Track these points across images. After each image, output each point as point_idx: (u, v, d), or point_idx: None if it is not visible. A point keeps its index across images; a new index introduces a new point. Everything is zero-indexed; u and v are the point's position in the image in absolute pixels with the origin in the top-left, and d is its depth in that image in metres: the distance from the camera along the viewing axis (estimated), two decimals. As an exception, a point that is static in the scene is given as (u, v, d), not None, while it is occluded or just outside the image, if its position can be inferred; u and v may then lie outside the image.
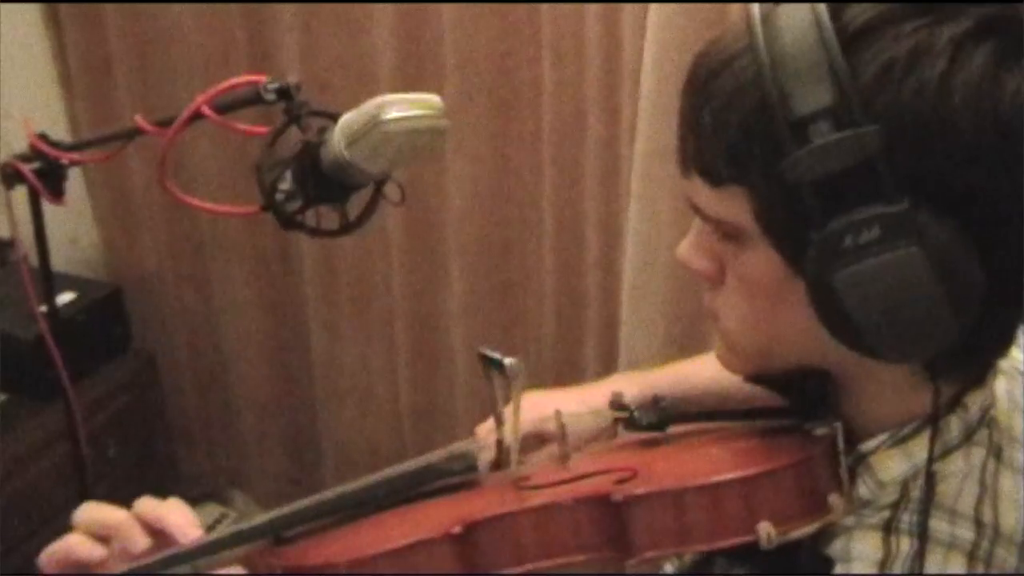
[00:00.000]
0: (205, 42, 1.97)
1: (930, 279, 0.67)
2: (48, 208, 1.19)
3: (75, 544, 0.85)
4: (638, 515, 0.75)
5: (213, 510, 2.45)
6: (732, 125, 0.71)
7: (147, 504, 0.86)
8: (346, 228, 0.98)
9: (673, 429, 0.88)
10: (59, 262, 2.11)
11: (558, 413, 0.89)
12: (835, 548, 0.77)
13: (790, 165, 0.67)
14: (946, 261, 0.67)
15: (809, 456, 0.76)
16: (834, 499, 0.76)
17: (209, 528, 2.50)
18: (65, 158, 1.15)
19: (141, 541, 0.83)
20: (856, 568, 0.76)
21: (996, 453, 0.82)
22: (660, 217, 1.61)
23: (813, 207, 0.68)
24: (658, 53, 1.49)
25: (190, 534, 0.85)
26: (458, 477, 0.87)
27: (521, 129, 1.80)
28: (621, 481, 0.78)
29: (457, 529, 0.76)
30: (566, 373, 1.90)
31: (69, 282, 2.05)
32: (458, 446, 0.90)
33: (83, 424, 1.95)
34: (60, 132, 2.10)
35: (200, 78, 1.95)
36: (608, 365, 1.82)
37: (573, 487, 0.80)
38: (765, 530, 0.73)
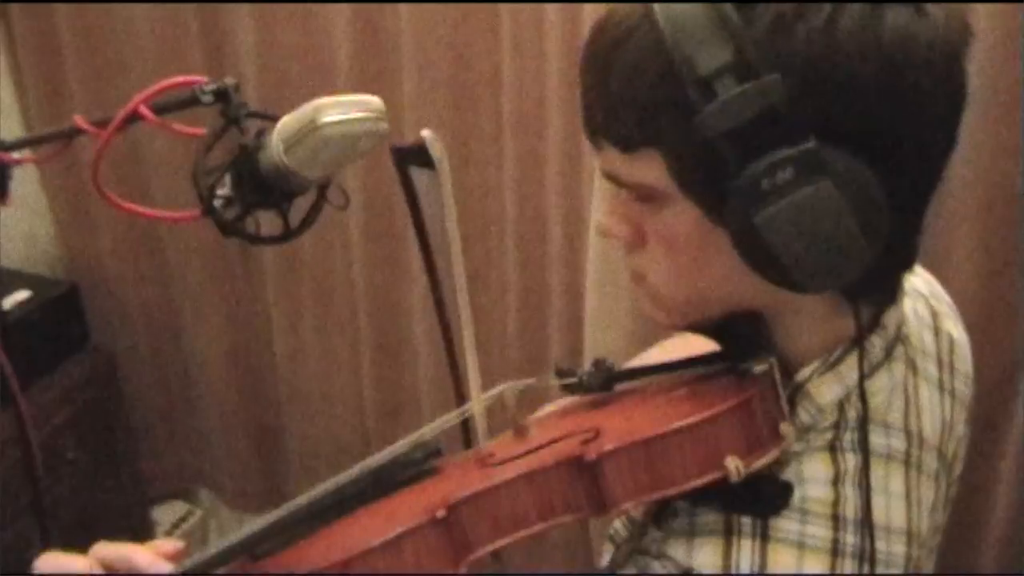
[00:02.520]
0: (159, 35, 1.94)
1: (843, 209, 0.72)
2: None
3: None
4: (612, 470, 0.78)
5: (178, 508, 2.43)
6: (640, 91, 0.74)
7: (108, 548, 0.84)
8: (288, 235, 0.95)
9: (618, 388, 0.91)
10: (15, 260, 2.08)
11: (510, 387, 0.91)
12: (789, 474, 0.82)
13: (701, 121, 0.71)
14: (855, 190, 0.72)
15: (758, 392, 0.80)
16: (784, 427, 0.80)
17: (174, 526, 2.47)
18: (3, 159, 1.11)
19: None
20: (811, 488, 0.81)
21: (912, 367, 0.90)
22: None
23: (727, 158, 0.72)
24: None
25: (162, 568, 0.83)
26: (423, 464, 0.88)
27: (481, 122, 1.78)
28: (587, 441, 0.81)
29: (441, 512, 0.77)
30: (530, 369, 1.88)
31: (24, 280, 2.02)
32: (419, 435, 0.91)
33: (40, 425, 1.92)
34: (13, 125, 2.07)
35: (153, 72, 1.92)
36: (573, 361, 1.80)
37: (541, 455, 0.82)
38: (733, 463, 0.77)
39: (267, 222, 0.97)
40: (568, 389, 0.92)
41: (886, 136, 0.73)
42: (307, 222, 0.96)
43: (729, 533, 0.80)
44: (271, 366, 2.15)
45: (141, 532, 2.27)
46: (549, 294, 1.83)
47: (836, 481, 0.82)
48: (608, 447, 0.78)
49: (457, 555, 0.78)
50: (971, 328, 1.02)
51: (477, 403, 0.89)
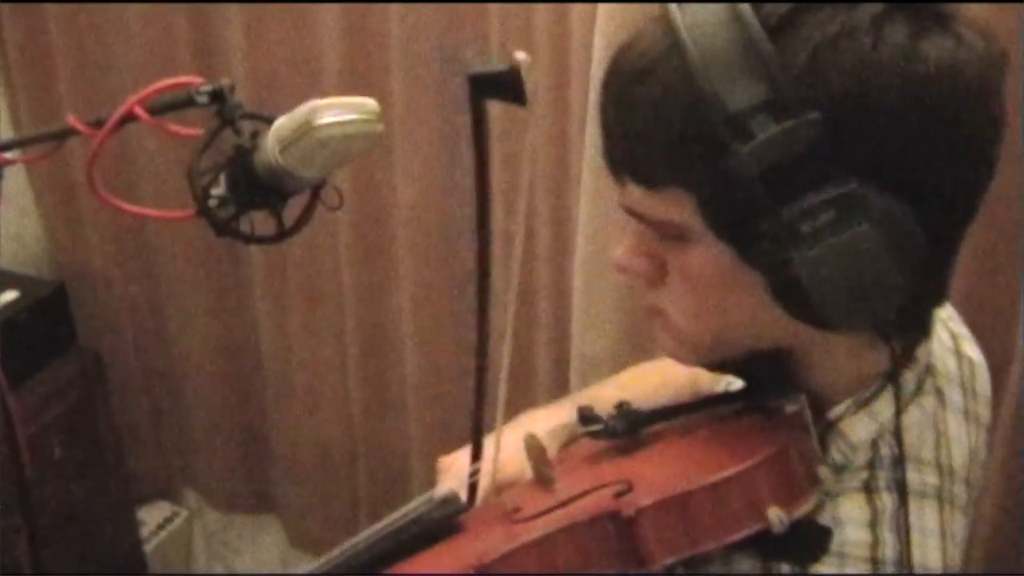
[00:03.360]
0: (148, 36, 1.93)
1: (882, 250, 0.69)
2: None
3: None
4: (649, 526, 0.75)
5: (164, 509, 2.43)
6: (667, 129, 0.71)
7: None
8: (282, 235, 0.95)
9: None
10: (3, 259, 2.08)
11: (532, 436, 0.88)
12: (825, 516, 0.79)
13: (735, 162, 0.68)
14: (894, 230, 0.69)
15: (793, 436, 0.77)
16: (821, 470, 0.78)
17: (160, 527, 2.46)
18: (-2, 160, 1.11)
19: None
20: (849, 530, 0.78)
21: (940, 397, 0.87)
22: (611, 211, 1.59)
23: (762, 198, 0.69)
24: (607, 48, 1.47)
25: None
26: (447, 522, 0.84)
27: (468, 123, 1.77)
28: (620, 494, 0.78)
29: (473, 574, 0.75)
30: (518, 369, 1.89)
31: (12, 280, 2.01)
32: (433, 494, 0.88)
33: (27, 424, 1.92)
34: (2, 125, 2.07)
35: (143, 72, 1.92)
36: (560, 361, 1.81)
37: (573, 509, 0.79)
38: (776, 514, 0.74)
39: (260, 222, 0.97)
40: (592, 436, 0.88)
41: (926, 172, 0.70)
42: (301, 222, 0.97)
43: None
44: (258, 366, 2.15)
45: (126, 533, 2.27)
46: (537, 295, 1.83)
47: (873, 523, 0.79)
48: (645, 502, 0.75)
49: None
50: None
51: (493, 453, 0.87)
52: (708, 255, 0.75)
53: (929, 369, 0.86)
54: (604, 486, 0.80)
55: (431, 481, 1.97)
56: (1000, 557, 1.55)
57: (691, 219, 0.73)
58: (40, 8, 1.99)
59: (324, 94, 0.88)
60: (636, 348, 1.71)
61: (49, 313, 2.02)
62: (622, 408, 0.87)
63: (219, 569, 2.48)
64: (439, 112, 1.77)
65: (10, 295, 1.96)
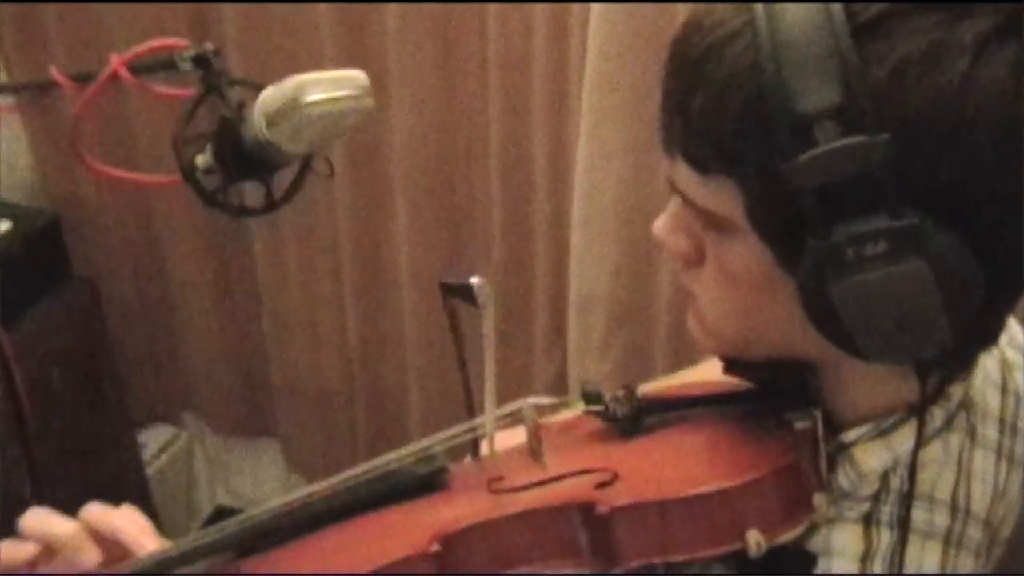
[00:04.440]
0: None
1: (933, 292, 0.64)
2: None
3: (12, 551, 0.83)
4: (621, 526, 0.73)
5: (164, 432, 2.44)
6: (726, 116, 0.66)
7: (97, 514, 0.83)
8: (271, 206, 0.94)
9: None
10: (-4, 188, 2.05)
11: (529, 404, 0.86)
12: (816, 542, 0.76)
13: (790, 169, 0.62)
14: (950, 273, 0.64)
15: (794, 460, 0.74)
16: (818, 498, 0.75)
17: (161, 450, 2.47)
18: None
19: (92, 555, 0.81)
20: (837, 563, 0.75)
21: (971, 433, 0.82)
22: (610, 146, 1.57)
23: (811, 213, 0.64)
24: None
25: (146, 545, 0.83)
26: (427, 481, 0.84)
27: (467, 57, 1.74)
28: (602, 484, 0.76)
29: (436, 547, 0.74)
30: (515, 306, 1.88)
31: (4, 210, 1.98)
32: (426, 446, 0.87)
33: (25, 356, 1.91)
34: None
35: (135, 29, 1.85)
36: (558, 297, 1.80)
37: (552, 491, 0.78)
38: (754, 538, 0.72)
39: (249, 190, 0.96)
40: (594, 415, 0.85)
41: (998, 218, 0.65)
42: (291, 193, 0.95)
43: None
44: (254, 297, 2.14)
45: (127, 457, 2.28)
46: (534, 230, 1.82)
47: (865, 558, 0.76)
48: (622, 501, 0.73)
49: None
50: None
51: (490, 423, 0.85)
52: (748, 253, 0.71)
53: (963, 404, 0.81)
54: (589, 472, 0.79)
55: (428, 411, 1.99)
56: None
57: (736, 213, 0.69)
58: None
59: (319, 57, 0.85)
60: (634, 280, 1.70)
61: (43, 244, 2.00)
62: (629, 393, 0.85)
63: (220, 491, 2.50)
64: (435, 44, 1.73)
65: (3, 226, 1.94)
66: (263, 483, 2.44)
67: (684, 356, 1.74)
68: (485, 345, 0.82)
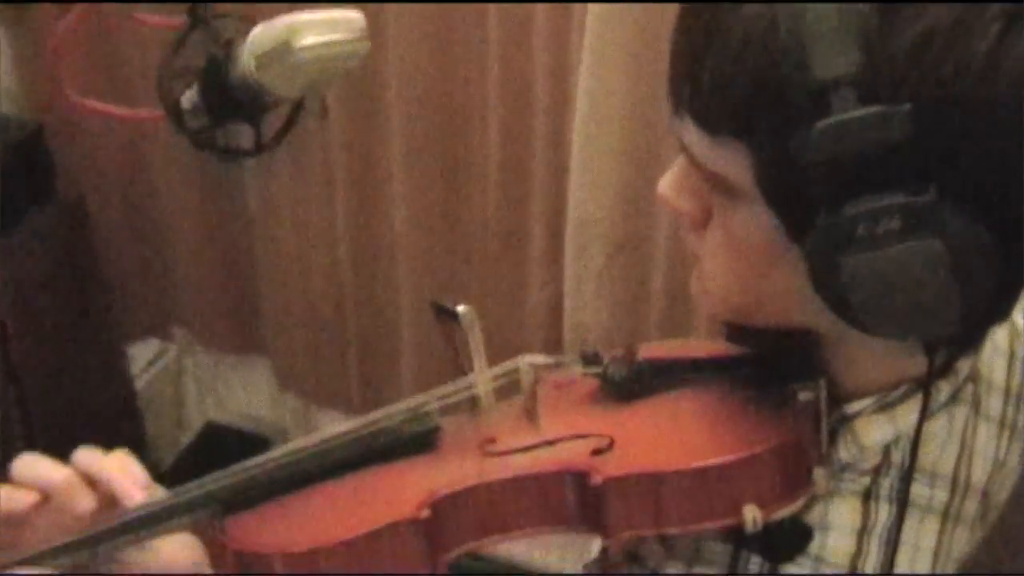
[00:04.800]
0: None
1: (946, 271, 0.62)
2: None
3: (9, 501, 0.80)
4: (617, 497, 0.72)
5: (153, 346, 2.42)
6: (739, 79, 0.63)
7: (91, 460, 0.81)
8: (260, 148, 0.89)
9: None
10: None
11: (526, 363, 0.84)
12: (813, 515, 0.75)
13: (803, 138, 0.59)
14: (965, 252, 0.61)
15: (797, 434, 0.72)
16: (818, 472, 0.73)
17: (150, 364, 2.45)
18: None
19: (85, 503, 0.79)
20: (833, 537, 0.74)
21: (975, 406, 0.80)
22: (612, 67, 1.53)
23: (823, 184, 0.61)
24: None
25: (136, 498, 0.80)
26: (418, 441, 0.82)
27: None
28: (597, 451, 0.75)
29: (425, 512, 0.72)
30: (511, 233, 1.84)
31: (-13, 121, 1.93)
32: (419, 404, 0.84)
33: (9, 274, 1.88)
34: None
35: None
36: (555, 221, 1.76)
37: (545, 456, 0.76)
38: (751, 513, 0.70)
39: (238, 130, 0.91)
40: (593, 377, 0.83)
41: (1015, 193, 0.62)
42: (282, 135, 0.91)
43: (733, 570, 0.75)
44: (244, 215, 2.10)
45: (116, 371, 2.26)
46: (533, 151, 1.77)
47: (862, 533, 0.75)
48: (617, 472, 0.72)
49: (435, 554, 0.73)
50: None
51: (483, 381, 0.83)
52: (755, 221, 0.68)
53: (970, 377, 0.80)
54: (585, 437, 0.77)
55: (420, 333, 1.96)
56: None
57: (745, 179, 0.66)
58: None
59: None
60: (635, 214, 1.67)
61: (27, 158, 1.94)
62: (630, 355, 0.83)
63: (210, 407, 2.49)
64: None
65: (-15, 137, 1.89)
66: (253, 400, 2.43)
67: (683, 287, 1.72)
68: (476, 368, 0.83)
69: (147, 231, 2.22)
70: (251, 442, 2.39)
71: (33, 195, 1.96)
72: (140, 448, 2.34)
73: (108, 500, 0.81)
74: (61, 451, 1.97)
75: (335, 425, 0.85)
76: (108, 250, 2.19)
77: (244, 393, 2.44)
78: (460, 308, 0.82)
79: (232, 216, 2.12)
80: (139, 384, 2.34)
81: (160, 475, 2.35)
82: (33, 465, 0.81)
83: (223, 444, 2.39)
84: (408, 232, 1.91)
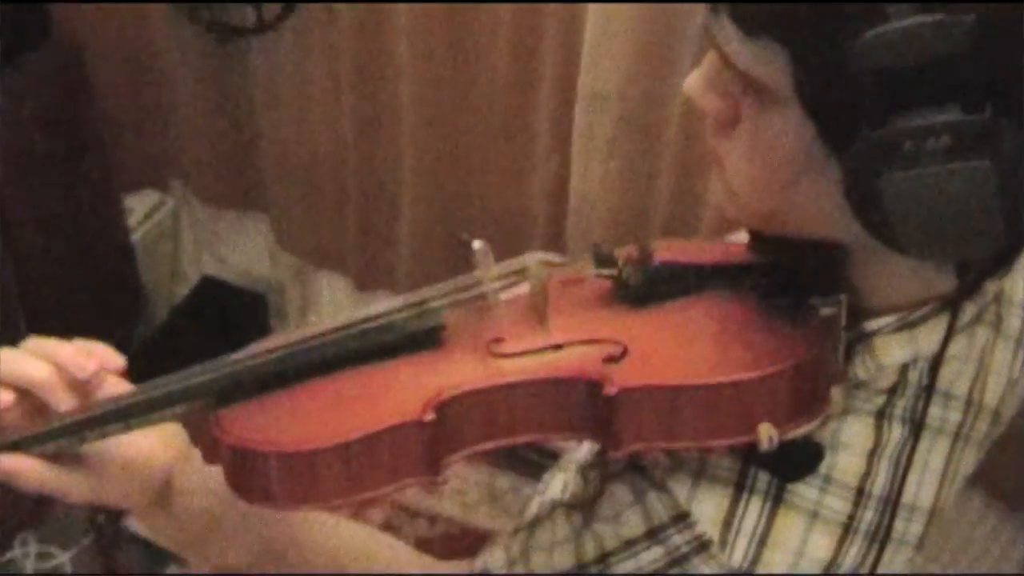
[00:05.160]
0: None
1: (993, 193, 0.59)
2: None
3: None
4: (630, 408, 0.69)
5: (151, 197, 2.38)
6: None
7: (70, 355, 0.76)
8: (261, 28, 0.84)
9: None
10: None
11: (535, 262, 0.80)
12: (824, 433, 0.73)
13: (855, 47, 0.56)
14: (1013, 173, 0.59)
15: (817, 352, 0.69)
16: (834, 392, 0.71)
17: (147, 216, 2.42)
18: None
19: (65, 401, 0.75)
20: (843, 457, 0.73)
21: (996, 326, 0.79)
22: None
23: (871, 96, 0.58)
24: None
25: (120, 390, 0.78)
26: (422, 338, 0.78)
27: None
28: (610, 359, 0.71)
29: (430, 416, 0.69)
30: (519, 97, 1.79)
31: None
32: (423, 299, 0.81)
33: (4, 120, 1.83)
34: None
35: None
36: (566, 91, 1.71)
37: (555, 360, 0.73)
38: (766, 432, 0.68)
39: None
40: (607, 279, 0.79)
41: None
42: (285, 15, 0.85)
43: (741, 487, 0.73)
44: (246, 70, 2.03)
45: (112, 222, 2.23)
46: (543, 21, 1.72)
47: (872, 453, 0.74)
48: (632, 383, 0.68)
49: (437, 457, 0.70)
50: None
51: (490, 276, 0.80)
52: (789, 127, 0.65)
53: (996, 297, 0.77)
54: (597, 342, 0.74)
55: (421, 193, 1.93)
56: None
57: (782, 84, 0.63)
58: None
59: None
60: (648, 87, 1.62)
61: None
62: (645, 257, 0.79)
63: (207, 261, 2.47)
64: None
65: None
66: (250, 256, 2.41)
67: (691, 167, 1.69)
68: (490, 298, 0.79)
69: (146, 81, 2.17)
70: (247, 298, 2.37)
71: (29, 38, 1.90)
72: (136, 301, 2.33)
73: (89, 395, 0.78)
74: (55, 304, 1.96)
75: (335, 316, 0.83)
76: (106, 98, 2.14)
77: (241, 249, 2.42)
78: (476, 243, 0.78)
79: (235, 71, 2.06)
80: (135, 237, 2.31)
81: (155, 330, 2.33)
82: (13, 361, 0.77)
83: (219, 299, 2.37)
84: (413, 98, 1.86)
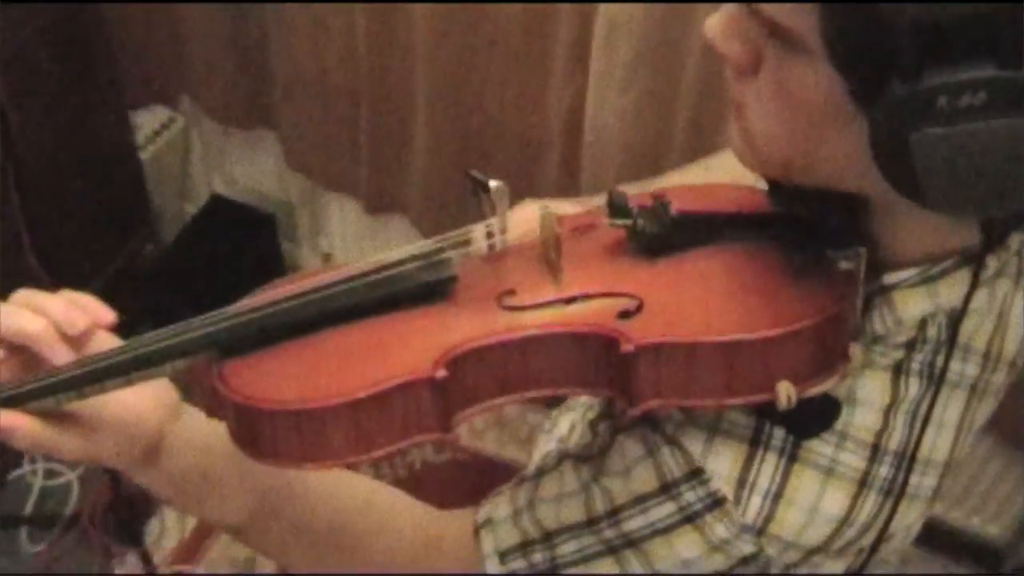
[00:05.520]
0: None
1: None
2: None
3: None
4: (646, 365, 0.67)
5: (160, 114, 2.35)
6: None
7: (61, 310, 0.75)
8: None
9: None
10: None
11: (549, 212, 0.78)
12: (841, 389, 0.72)
13: (892, 3, 0.55)
14: None
15: (835, 309, 0.68)
16: (853, 348, 0.70)
17: (156, 133, 2.39)
18: None
19: (62, 354, 0.74)
20: (860, 413, 0.72)
21: (1017, 278, 0.77)
22: None
23: (905, 50, 0.56)
24: None
25: (109, 345, 0.76)
26: (433, 289, 0.76)
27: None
28: (625, 314, 0.70)
29: (441, 373, 0.68)
30: (537, 23, 1.74)
31: None
32: (438, 245, 0.79)
33: (10, 36, 1.80)
34: None
35: None
36: (585, 18, 1.66)
37: (568, 314, 0.71)
38: (785, 390, 0.67)
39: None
40: (621, 229, 0.77)
41: None
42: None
43: (756, 443, 0.72)
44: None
45: (120, 139, 2.20)
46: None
47: (889, 409, 0.73)
48: (649, 339, 0.67)
49: (448, 413, 0.69)
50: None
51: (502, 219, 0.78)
52: (815, 78, 0.63)
53: (1018, 251, 0.76)
54: (612, 295, 0.72)
55: (434, 117, 1.90)
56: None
57: (809, 33, 0.61)
58: None
59: None
60: (669, 18, 1.58)
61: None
62: (661, 207, 0.77)
63: (217, 179, 2.44)
64: None
65: None
66: (260, 175, 2.38)
67: (708, 103, 1.65)
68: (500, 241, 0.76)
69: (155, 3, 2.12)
70: (256, 218, 2.35)
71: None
72: (145, 219, 2.31)
73: (86, 348, 0.77)
74: (63, 223, 1.93)
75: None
76: (113, 12, 2.09)
77: (251, 167, 2.39)
78: (493, 183, 0.75)
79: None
80: (145, 155, 2.29)
81: (164, 249, 2.31)
82: (6, 315, 0.74)
83: (228, 218, 2.35)
84: (427, 21, 1.81)
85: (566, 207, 0.86)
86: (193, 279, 2.24)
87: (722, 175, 0.77)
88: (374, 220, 2.20)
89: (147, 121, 2.33)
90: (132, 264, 2.26)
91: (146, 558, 2.02)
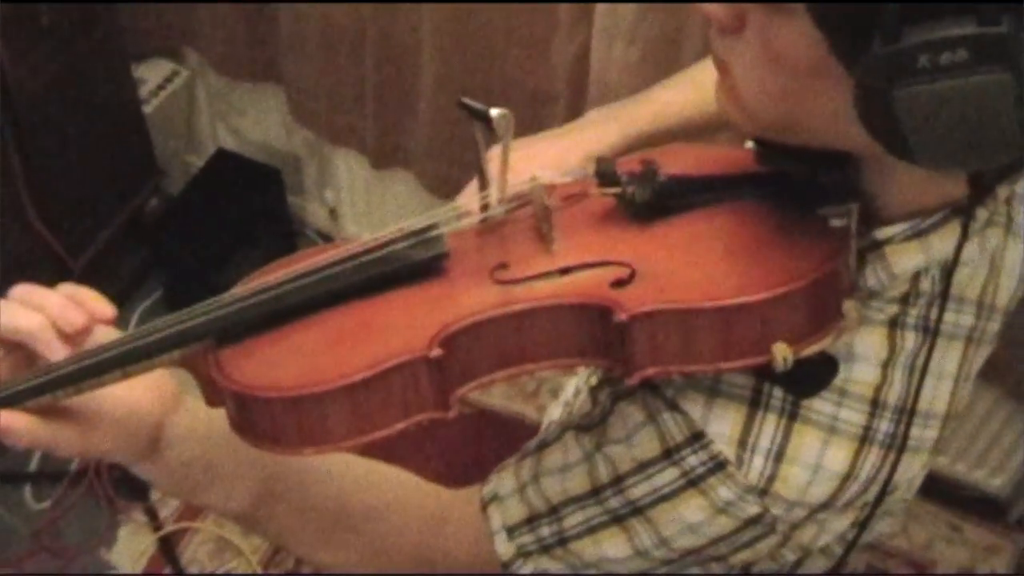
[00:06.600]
0: None
1: (1010, 105, 0.58)
2: None
3: None
4: (641, 333, 0.67)
5: (164, 67, 2.34)
6: None
7: (59, 306, 0.74)
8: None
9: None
10: None
11: (538, 183, 0.77)
12: (838, 346, 0.72)
13: None
14: None
15: (828, 268, 0.68)
16: (848, 305, 0.70)
17: (160, 87, 2.37)
18: None
19: (59, 351, 0.73)
20: (859, 368, 0.73)
21: (1007, 226, 0.78)
22: None
23: (887, 10, 0.57)
24: None
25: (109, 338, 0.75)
26: (426, 266, 0.75)
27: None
28: (618, 282, 0.70)
29: (437, 352, 0.67)
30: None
31: None
32: (428, 222, 0.78)
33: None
34: None
35: None
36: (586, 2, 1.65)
37: (562, 285, 0.71)
38: (781, 352, 0.67)
39: None
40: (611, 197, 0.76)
41: None
42: None
43: (756, 404, 0.72)
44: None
45: (123, 91, 2.19)
46: None
47: (887, 363, 0.73)
48: (643, 307, 0.66)
49: (446, 391, 0.69)
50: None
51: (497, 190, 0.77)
52: (799, 37, 0.62)
53: (1008, 200, 0.76)
54: (604, 264, 0.72)
55: (440, 72, 1.88)
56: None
57: None
58: None
59: None
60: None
61: None
62: (650, 173, 0.76)
63: (222, 132, 2.43)
64: None
65: None
66: (266, 128, 2.37)
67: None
68: (500, 170, 0.75)
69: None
70: (262, 172, 2.34)
71: None
72: (150, 173, 2.30)
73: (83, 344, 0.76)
74: (67, 177, 1.91)
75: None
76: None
77: (256, 120, 2.38)
78: (494, 111, 0.73)
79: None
80: (149, 108, 2.28)
81: (170, 203, 2.30)
82: (5, 313, 0.74)
83: (234, 172, 2.34)
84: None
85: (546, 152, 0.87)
86: (199, 233, 2.23)
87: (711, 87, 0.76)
88: (380, 175, 2.19)
89: (151, 74, 2.32)
90: (138, 219, 2.26)
91: (152, 513, 2.03)
